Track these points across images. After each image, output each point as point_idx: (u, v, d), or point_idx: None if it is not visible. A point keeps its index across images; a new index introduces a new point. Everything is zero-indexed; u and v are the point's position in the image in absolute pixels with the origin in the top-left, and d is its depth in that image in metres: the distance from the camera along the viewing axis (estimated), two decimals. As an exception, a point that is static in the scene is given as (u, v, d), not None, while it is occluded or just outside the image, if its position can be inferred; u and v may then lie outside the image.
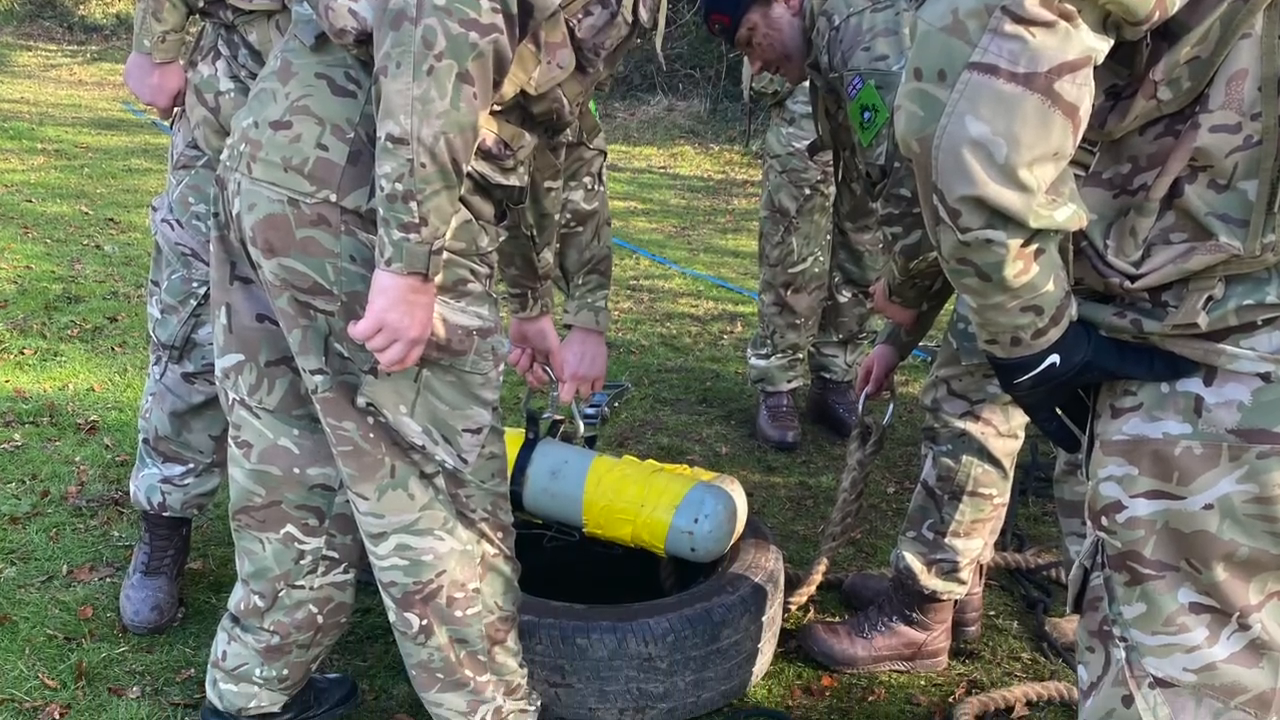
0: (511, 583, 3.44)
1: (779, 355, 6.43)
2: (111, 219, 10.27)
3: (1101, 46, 2.08)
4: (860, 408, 4.58)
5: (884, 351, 4.45)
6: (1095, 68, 2.08)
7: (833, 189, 6.04)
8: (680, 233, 11.73)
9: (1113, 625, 2.52)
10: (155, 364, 4.32)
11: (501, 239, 3.28)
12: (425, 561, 3.25)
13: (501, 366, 3.19)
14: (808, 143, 4.80)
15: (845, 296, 6.43)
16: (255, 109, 3.01)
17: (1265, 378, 2.28)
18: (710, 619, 3.89)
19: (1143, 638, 2.47)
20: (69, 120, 14.75)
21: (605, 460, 4.30)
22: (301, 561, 3.48)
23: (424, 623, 3.33)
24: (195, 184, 4.09)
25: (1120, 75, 2.27)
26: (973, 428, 4.11)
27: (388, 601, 3.38)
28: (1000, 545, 5.20)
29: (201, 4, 3.90)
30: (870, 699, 4.28)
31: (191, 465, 4.39)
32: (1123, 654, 2.50)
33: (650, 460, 4.45)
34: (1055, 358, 2.37)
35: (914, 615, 4.39)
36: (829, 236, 6.25)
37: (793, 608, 4.69)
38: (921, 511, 4.30)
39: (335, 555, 3.51)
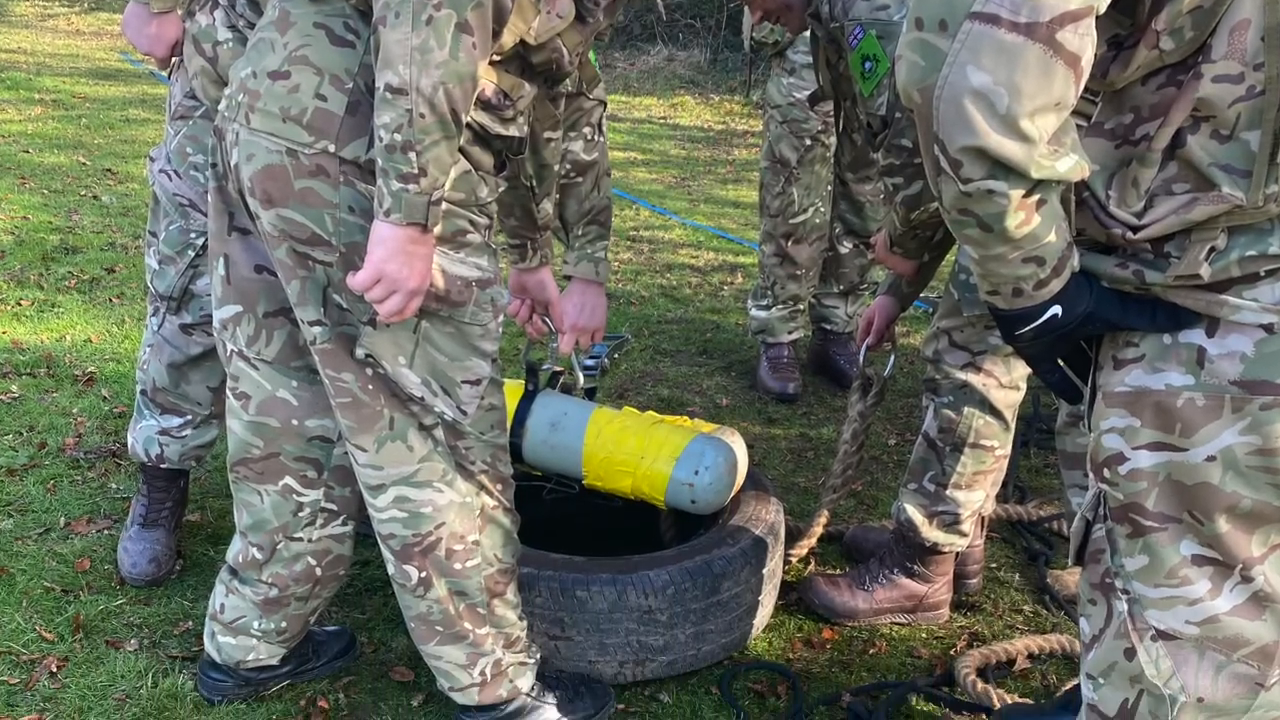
0: (511, 535, 3.44)
1: (780, 306, 6.41)
2: (109, 169, 10.24)
3: (1104, -4, 2.07)
4: (861, 359, 4.57)
5: (885, 303, 4.43)
6: (1097, 17, 2.07)
7: (834, 139, 6.03)
8: (680, 183, 11.70)
9: (1115, 578, 2.52)
10: (153, 315, 4.30)
11: (501, 190, 3.27)
12: (424, 514, 3.25)
13: (501, 318, 3.18)
14: (808, 93, 4.77)
15: (846, 247, 6.41)
16: (253, 59, 2.99)
17: (1268, 329, 2.27)
18: (710, 571, 3.88)
19: (1145, 590, 2.47)
20: (66, 70, 14.69)
21: (605, 412, 4.30)
22: (300, 514, 3.48)
23: (423, 575, 3.33)
24: (193, 134, 4.07)
25: (1122, 25, 2.26)
26: (974, 379, 4.09)
27: (386, 554, 3.38)
28: (1002, 497, 5.21)
29: (199, -47, 3.88)
30: (871, 652, 4.28)
31: (189, 417, 4.38)
32: (1125, 606, 2.50)
33: (650, 412, 4.44)
34: (1057, 309, 2.36)
35: (915, 568, 4.39)
36: (830, 187, 6.22)
37: (793, 560, 4.69)
38: (923, 463, 4.30)
39: (334, 507, 3.51)
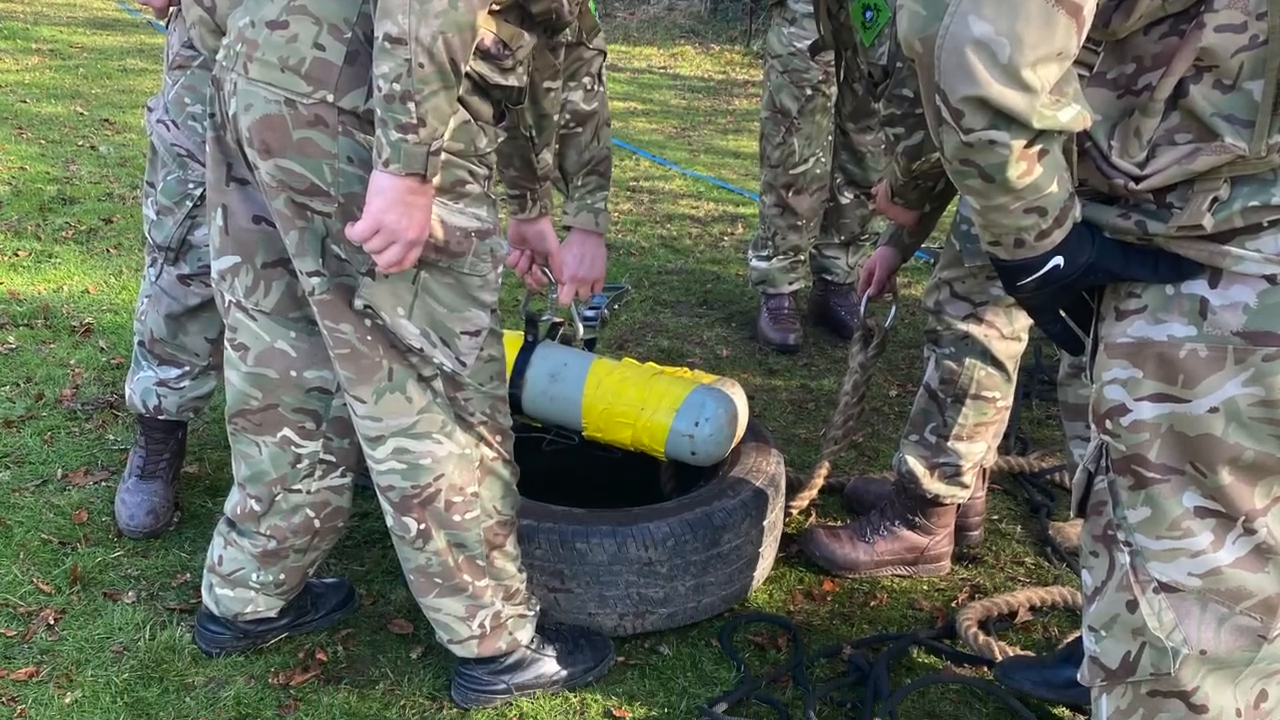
0: (510, 487, 3.43)
1: (780, 257, 6.39)
2: (107, 120, 10.21)
3: (1107, -56, 2.06)
4: (862, 310, 4.55)
5: (886, 253, 4.42)
6: (1100, -33, 2.05)
7: (834, 89, 6.00)
8: (681, 134, 11.68)
9: (1117, 530, 2.51)
10: (151, 266, 4.29)
11: (500, 140, 3.26)
12: (423, 465, 3.24)
13: (500, 268, 3.17)
14: (809, 42, 4.75)
15: (847, 198, 6.40)
16: (252, 8, 2.97)
17: (1271, 280, 2.26)
18: (711, 523, 3.88)
19: (1147, 542, 2.46)
20: (64, 20, 14.65)
21: (605, 363, 4.28)
22: (298, 465, 3.47)
23: (422, 527, 3.33)
24: (191, 84, 4.05)
25: (1125, -26, 2.24)
26: (976, 330, 4.08)
27: (385, 506, 3.37)
28: (1003, 449, 5.20)
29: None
30: (872, 604, 4.28)
31: (187, 368, 4.37)
32: (1127, 559, 2.50)
33: (650, 363, 4.43)
34: (1059, 260, 2.35)
35: (916, 519, 4.38)
36: (831, 137, 6.20)
37: (794, 512, 4.68)
38: (924, 415, 4.29)
39: (332, 459, 3.51)
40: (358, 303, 3.01)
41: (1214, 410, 2.33)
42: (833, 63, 5.00)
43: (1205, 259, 2.29)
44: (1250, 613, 2.44)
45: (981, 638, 3.95)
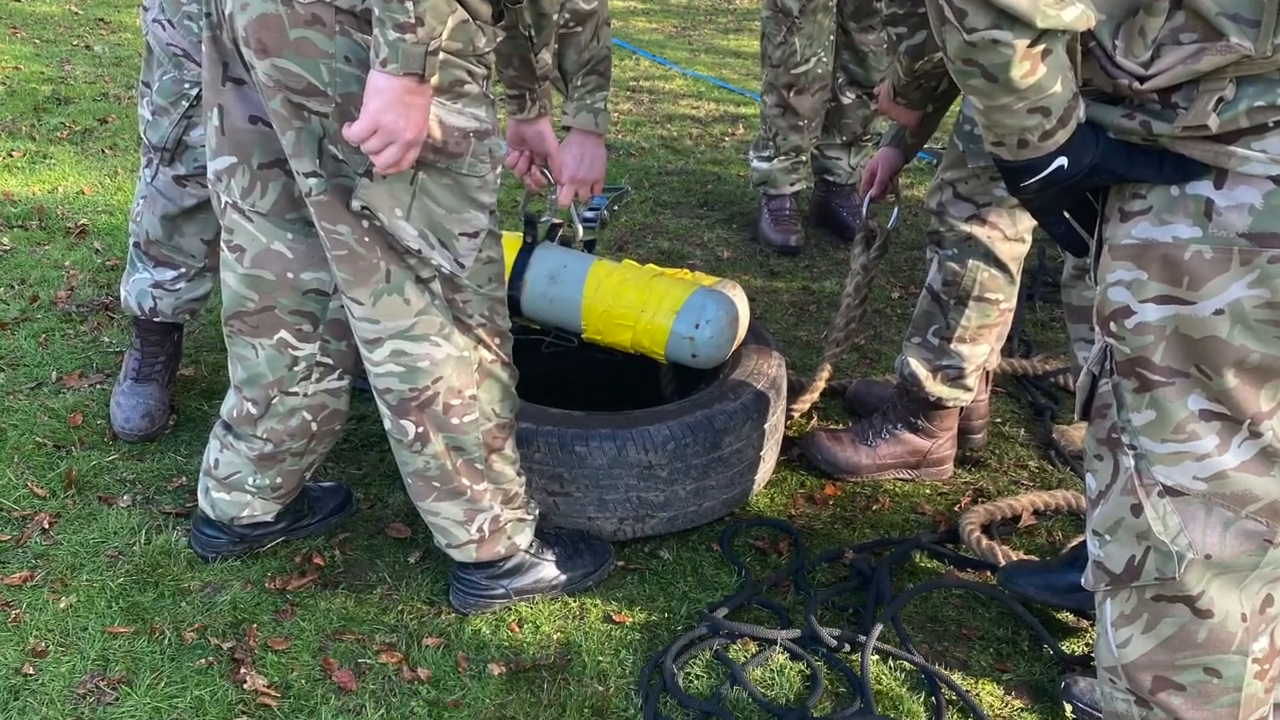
0: (509, 389, 3.42)
1: (781, 157, 6.36)
2: (102, 19, 10.16)
3: None
4: (864, 211, 4.53)
5: (888, 154, 4.39)
6: None
7: (837, -12, 5.97)
8: (681, 33, 11.62)
9: (1121, 433, 2.50)
10: (146, 166, 4.26)
11: (499, 40, 3.22)
12: (421, 368, 3.23)
13: (499, 169, 3.15)
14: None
15: (849, 98, 6.36)
16: (247, -95, 2.94)
17: (1277, 180, 2.23)
18: (711, 427, 3.87)
19: (1152, 445, 2.45)
20: (60, -82, 14.59)
21: (604, 265, 4.26)
22: (295, 368, 3.46)
23: (420, 430, 3.32)
24: (186, -17, 4.02)
25: None
26: (979, 231, 4.06)
27: (383, 409, 3.36)
28: (1007, 351, 5.19)
29: None
30: (874, 508, 4.27)
31: (183, 270, 4.35)
32: (1132, 462, 2.48)
33: (650, 265, 4.41)
34: (1063, 160, 2.33)
35: (919, 422, 4.38)
36: (833, 36, 6.16)
37: (795, 415, 4.68)
38: (927, 317, 4.27)
39: (329, 361, 3.49)
40: (355, 204, 2.99)
41: (1219, 312, 2.31)
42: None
43: (1210, 160, 2.26)
44: (1256, 517, 2.43)
45: (984, 542, 3.95)
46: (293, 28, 2.85)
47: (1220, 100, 2.21)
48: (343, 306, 3.27)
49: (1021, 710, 3.43)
